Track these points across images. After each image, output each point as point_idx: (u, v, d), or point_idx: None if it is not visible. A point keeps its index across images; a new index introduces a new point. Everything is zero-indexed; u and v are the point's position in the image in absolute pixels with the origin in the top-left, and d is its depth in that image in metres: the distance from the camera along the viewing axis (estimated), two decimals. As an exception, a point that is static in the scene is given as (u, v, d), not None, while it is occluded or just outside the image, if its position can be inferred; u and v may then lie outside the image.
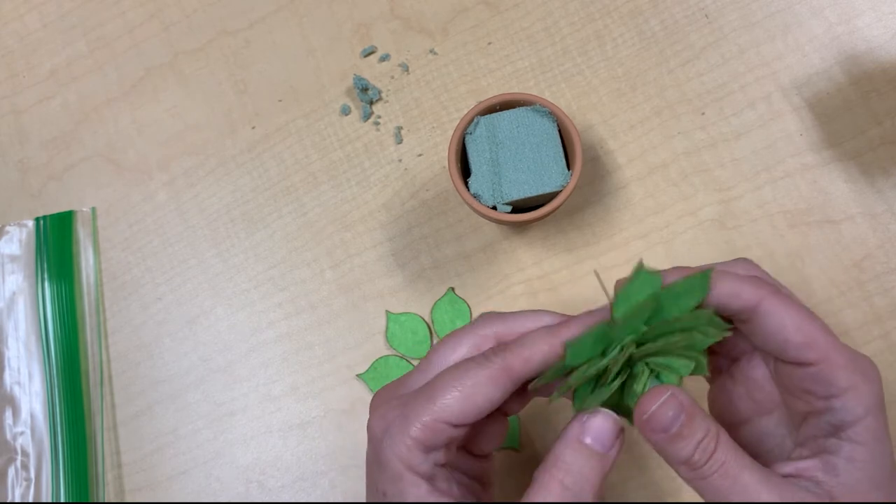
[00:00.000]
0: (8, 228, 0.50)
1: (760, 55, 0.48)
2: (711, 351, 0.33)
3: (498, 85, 0.49)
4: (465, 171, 0.43)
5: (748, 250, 0.46)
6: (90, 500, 0.46)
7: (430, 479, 0.31)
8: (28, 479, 0.47)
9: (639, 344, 0.30)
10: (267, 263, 0.49)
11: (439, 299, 0.47)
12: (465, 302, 0.47)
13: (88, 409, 0.47)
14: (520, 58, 0.50)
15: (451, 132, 0.48)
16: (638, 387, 0.30)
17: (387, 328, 0.47)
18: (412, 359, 0.46)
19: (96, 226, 0.50)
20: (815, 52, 0.48)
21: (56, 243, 0.50)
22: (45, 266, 0.49)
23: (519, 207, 0.42)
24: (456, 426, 0.30)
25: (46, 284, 0.49)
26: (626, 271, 0.46)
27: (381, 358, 0.46)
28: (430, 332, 0.46)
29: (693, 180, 0.47)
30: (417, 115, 0.49)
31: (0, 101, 0.53)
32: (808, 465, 0.30)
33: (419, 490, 0.30)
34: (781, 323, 0.30)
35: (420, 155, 0.49)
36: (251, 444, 0.47)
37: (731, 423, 0.34)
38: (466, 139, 0.42)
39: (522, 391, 0.33)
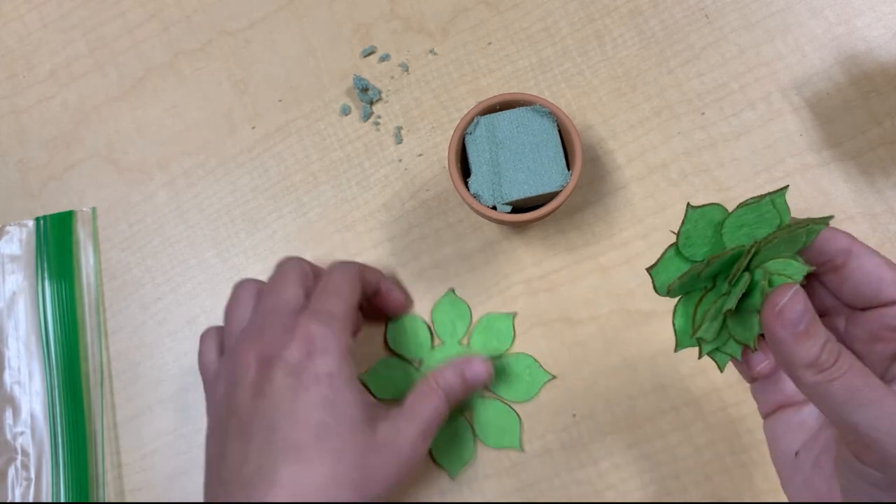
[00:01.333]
0: (8, 228, 0.50)
1: (760, 55, 0.48)
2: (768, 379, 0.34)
3: (498, 85, 0.49)
4: (465, 171, 0.43)
5: (748, 250, 0.46)
6: (90, 500, 0.46)
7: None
8: (28, 479, 0.47)
9: (754, 253, 0.31)
10: (267, 263, 0.49)
11: (439, 300, 0.47)
12: (466, 302, 0.47)
13: (88, 408, 0.47)
14: (520, 58, 0.50)
15: (451, 132, 0.48)
16: (765, 285, 0.30)
17: (386, 330, 0.47)
18: (414, 360, 0.46)
19: (96, 226, 0.50)
20: (815, 52, 0.48)
21: (56, 243, 0.50)
22: (46, 266, 0.49)
23: (519, 207, 0.42)
24: (356, 308, 0.40)
25: (46, 284, 0.49)
26: (626, 271, 0.46)
27: (382, 359, 0.46)
28: (431, 334, 0.46)
29: (693, 180, 0.47)
30: (417, 115, 0.49)
31: (0, 101, 0.53)
32: None
33: (353, 367, 0.38)
34: (876, 265, 0.30)
35: (420, 155, 0.49)
36: (251, 444, 0.47)
37: (782, 405, 0.34)
38: (466, 139, 0.42)
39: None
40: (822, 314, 0.33)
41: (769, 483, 0.43)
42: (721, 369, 0.33)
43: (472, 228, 0.48)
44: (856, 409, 0.27)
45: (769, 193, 0.31)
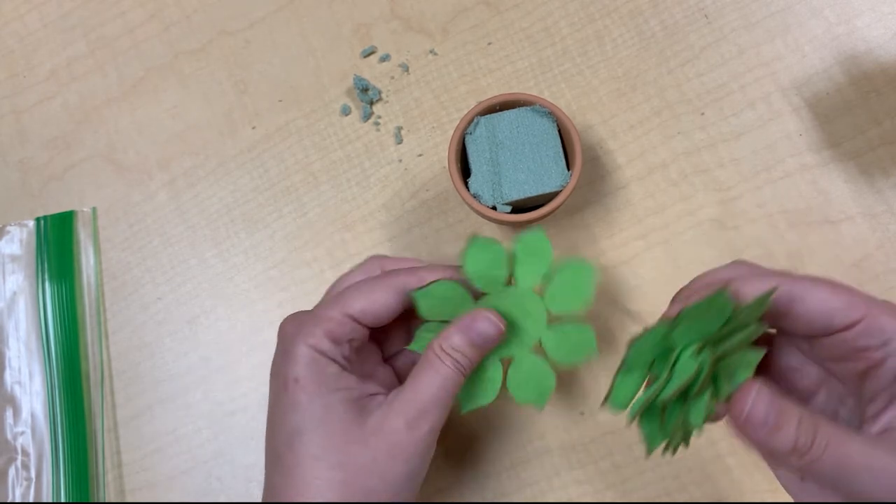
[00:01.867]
0: (8, 228, 0.50)
1: (760, 55, 0.48)
2: None
3: (498, 85, 0.49)
4: (465, 171, 0.43)
5: (748, 250, 0.46)
6: (90, 500, 0.46)
7: (339, 363, 0.35)
8: (28, 479, 0.47)
9: (703, 349, 0.31)
10: (267, 263, 0.49)
11: (465, 251, 0.38)
12: (497, 241, 0.38)
13: (89, 408, 0.47)
14: (520, 58, 0.50)
15: (451, 132, 0.48)
16: (728, 387, 0.31)
17: (418, 308, 0.38)
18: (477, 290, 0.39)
19: (97, 226, 0.50)
20: (815, 52, 0.48)
21: (56, 243, 0.50)
22: (46, 266, 0.50)
23: (519, 207, 0.42)
24: (358, 322, 0.35)
25: (47, 284, 0.49)
26: (626, 271, 0.46)
27: (439, 282, 0.37)
28: (470, 291, 0.38)
29: (693, 180, 0.47)
30: (417, 115, 0.49)
31: (0, 101, 0.53)
32: (890, 418, 0.30)
33: (332, 369, 0.35)
34: (820, 300, 0.30)
35: (420, 155, 0.49)
36: (251, 444, 0.47)
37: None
38: (466, 139, 0.42)
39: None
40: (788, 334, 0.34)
41: (769, 483, 0.43)
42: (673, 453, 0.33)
43: (472, 228, 0.48)
44: (848, 480, 0.28)
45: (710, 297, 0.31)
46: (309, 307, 0.47)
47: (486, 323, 0.36)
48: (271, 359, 0.47)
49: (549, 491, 0.44)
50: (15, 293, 0.49)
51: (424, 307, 0.37)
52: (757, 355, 0.32)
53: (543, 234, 0.38)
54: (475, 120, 0.42)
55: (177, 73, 0.52)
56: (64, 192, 0.51)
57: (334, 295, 0.37)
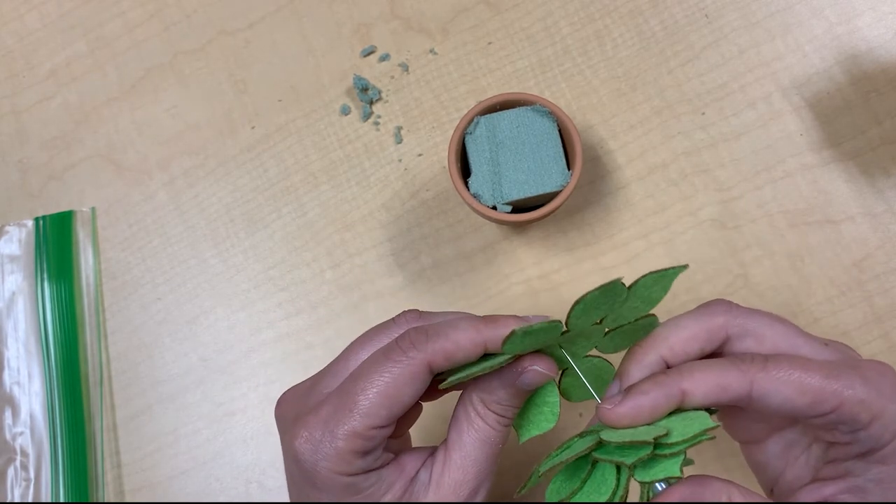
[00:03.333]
0: (8, 228, 0.50)
1: (760, 55, 0.48)
2: None
3: (498, 85, 0.49)
4: (465, 171, 0.43)
5: (748, 250, 0.46)
6: (90, 500, 0.46)
7: (371, 470, 0.31)
8: (28, 479, 0.47)
9: (629, 464, 0.29)
10: (267, 263, 0.49)
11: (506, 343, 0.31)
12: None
13: (88, 409, 0.47)
14: (520, 58, 0.50)
15: (451, 132, 0.48)
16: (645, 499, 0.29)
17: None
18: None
19: (96, 226, 0.50)
20: (815, 52, 0.48)
21: (56, 243, 0.50)
22: (45, 266, 0.49)
23: (519, 207, 0.42)
24: (382, 428, 0.30)
25: (46, 284, 0.49)
26: (626, 271, 0.46)
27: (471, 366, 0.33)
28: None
29: (693, 180, 0.47)
30: (417, 115, 0.49)
31: (0, 101, 0.52)
32: (835, 490, 0.29)
33: (367, 482, 0.31)
34: (782, 395, 0.28)
35: (420, 155, 0.49)
36: (251, 444, 0.47)
37: (749, 441, 0.34)
38: (466, 139, 0.42)
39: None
40: None
41: (769, 483, 0.43)
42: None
43: (472, 228, 0.48)
44: None
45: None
46: (309, 307, 0.48)
47: (534, 375, 0.31)
48: (271, 358, 0.47)
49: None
50: (14, 293, 0.49)
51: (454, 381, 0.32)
52: (677, 462, 0.29)
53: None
54: (475, 120, 0.42)
55: (177, 72, 0.52)
56: (63, 192, 0.51)
57: (349, 388, 0.31)
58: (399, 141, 0.49)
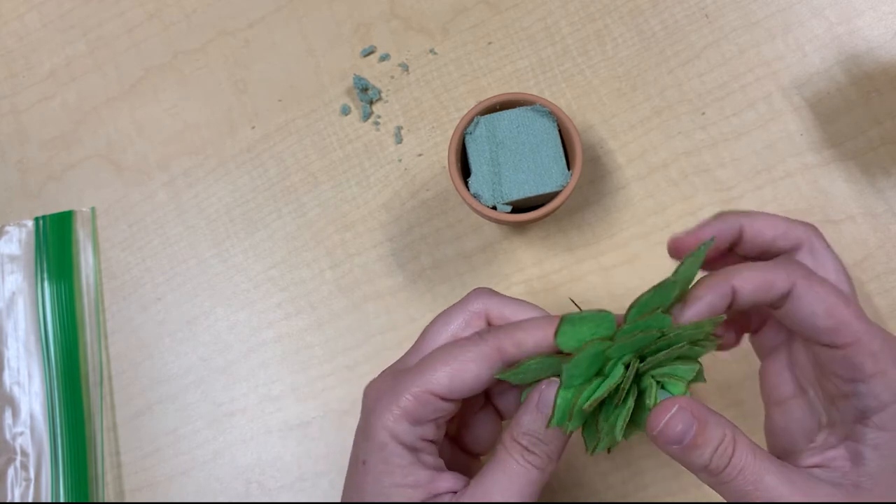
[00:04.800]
0: (7, 228, 0.50)
1: (761, 55, 0.48)
2: (767, 326, 0.34)
3: (498, 85, 0.49)
4: (465, 170, 0.43)
5: (748, 250, 0.46)
6: (90, 500, 0.46)
7: (414, 450, 0.31)
8: (28, 479, 0.47)
9: (641, 358, 0.30)
10: (266, 263, 0.49)
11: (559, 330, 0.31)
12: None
13: (88, 409, 0.47)
14: (520, 58, 0.49)
15: (451, 132, 0.48)
16: (649, 401, 0.30)
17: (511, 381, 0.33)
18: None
19: (96, 226, 0.50)
20: (816, 51, 0.48)
21: (56, 243, 0.50)
22: (45, 266, 0.49)
23: (519, 207, 0.42)
24: (444, 399, 0.30)
25: (46, 284, 0.49)
26: (626, 271, 0.46)
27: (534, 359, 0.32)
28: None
29: (693, 180, 0.47)
30: (417, 115, 0.49)
31: (0, 101, 0.52)
32: (835, 455, 0.30)
33: (402, 460, 0.30)
34: (812, 307, 0.29)
35: (420, 155, 0.49)
36: (251, 445, 0.47)
37: (774, 401, 0.34)
38: (466, 139, 0.42)
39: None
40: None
41: (770, 483, 0.43)
42: (591, 454, 0.33)
43: (472, 228, 0.48)
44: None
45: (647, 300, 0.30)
46: (308, 307, 0.48)
47: (549, 394, 0.31)
48: (270, 359, 0.47)
49: (549, 491, 0.44)
50: (14, 293, 0.49)
51: (517, 381, 0.32)
52: (691, 370, 0.31)
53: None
54: (475, 119, 0.42)
55: (176, 72, 0.52)
56: (63, 192, 0.51)
57: (421, 360, 0.32)
58: (399, 141, 0.49)
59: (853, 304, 0.30)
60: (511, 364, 0.31)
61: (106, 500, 0.46)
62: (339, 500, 0.34)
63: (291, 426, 0.46)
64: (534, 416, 0.31)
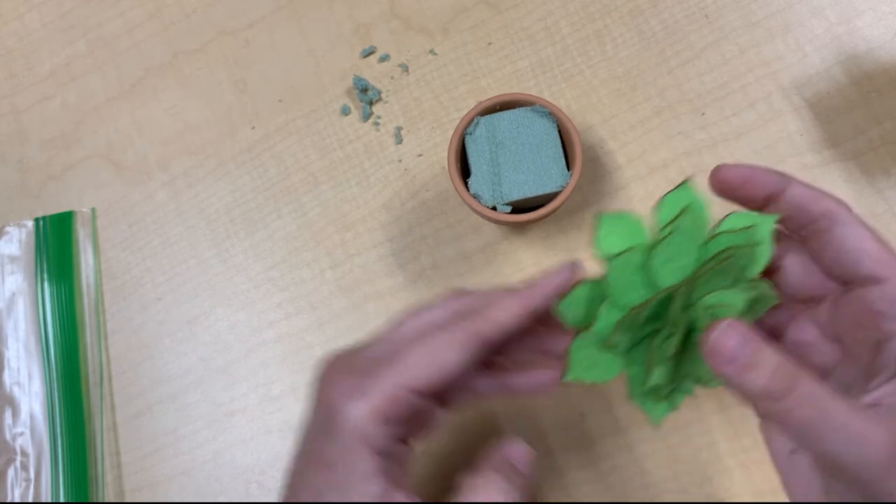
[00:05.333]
0: (8, 229, 0.50)
1: (760, 55, 0.48)
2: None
3: (498, 85, 0.49)
4: (465, 171, 0.43)
5: (748, 250, 0.46)
6: (90, 500, 0.46)
7: (384, 455, 0.29)
8: (28, 480, 0.47)
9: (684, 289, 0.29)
10: (267, 263, 0.49)
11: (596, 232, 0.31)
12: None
13: (88, 409, 0.47)
14: (520, 58, 0.49)
15: (451, 132, 0.48)
16: (702, 324, 0.29)
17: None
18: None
19: (96, 226, 0.50)
20: (816, 52, 0.48)
21: (56, 243, 0.50)
22: (45, 266, 0.49)
23: (519, 208, 0.42)
24: (420, 394, 0.29)
25: (46, 285, 0.49)
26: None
27: (581, 284, 0.32)
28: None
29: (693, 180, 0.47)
30: (417, 115, 0.49)
31: (0, 101, 0.52)
32: (889, 390, 0.28)
33: (367, 465, 0.29)
34: (858, 235, 0.29)
35: (420, 155, 0.49)
36: (251, 445, 0.47)
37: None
38: (466, 139, 0.42)
39: (490, 370, 0.33)
40: (809, 299, 0.32)
41: (769, 483, 0.43)
42: (657, 422, 0.32)
43: (472, 228, 0.48)
44: (820, 438, 0.26)
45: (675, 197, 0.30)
46: (309, 307, 0.48)
47: (521, 452, 0.32)
48: (271, 359, 0.47)
49: (549, 491, 0.44)
50: (14, 294, 0.49)
51: (570, 315, 0.32)
52: (743, 296, 0.30)
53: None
54: (475, 120, 0.42)
55: (176, 72, 0.52)
56: (63, 193, 0.51)
57: (393, 350, 0.31)
58: (399, 141, 0.49)
59: (890, 245, 0.29)
60: (493, 344, 0.31)
61: (106, 500, 0.46)
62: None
63: (291, 426, 0.47)
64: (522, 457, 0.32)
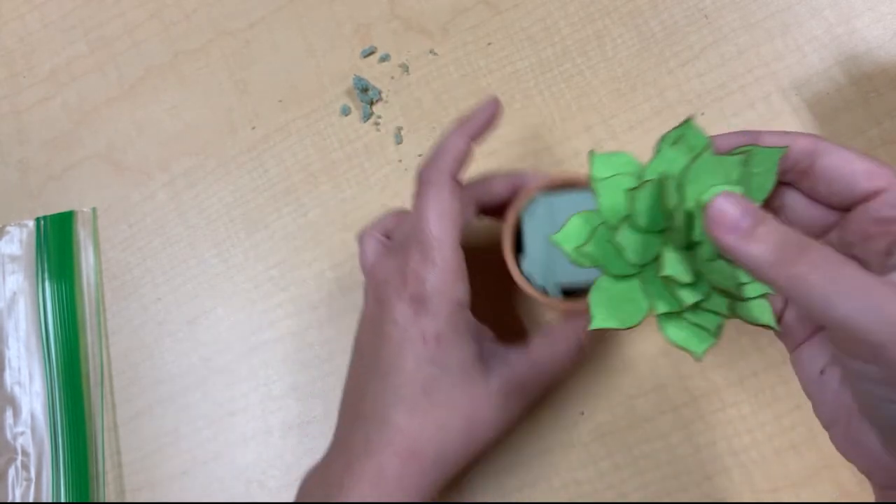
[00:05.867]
0: (8, 228, 0.50)
1: (760, 56, 0.48)
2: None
3: (498, 85, 0.49)
4: (517, 246, 0.41)
5: (748, 250, 0.46)
6: (90, 500, 0.46)
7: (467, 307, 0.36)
8: (28, 479, 0.47)
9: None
10: (267, 263, 0.49)
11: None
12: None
13: (89, 409, 0.47)
14: (520, 58, 0.50)
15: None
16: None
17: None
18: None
19: (96, 226, 0.50)
20: (815, 52, 0.48)
21: (56, 243, 0.50)
22: (46, 266, 0.50)
23: (570, 290, 0.40)
24: (459, 246, 0.36)
25: (47, 284, 0.49)
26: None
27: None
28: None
29: (693, 180, 0.47)
30: (418, 115, 0.49)
31: (0, 101, 0.53)
32: None
33: (470, 321, 0.36)
34: (843, 159, 0.29)
35: (420, 155, 0.49)
36: (251, 444, 0.47)
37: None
38: (523, 217, 0.40)
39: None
40: (820, 232, 0.32)
41: (769, 483, 0.43)
42: (699, 355, 0.31)
43: (472, 228, 0.48)
44: (837, 304, 0.24)
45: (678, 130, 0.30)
46: (309, 307, 0.48)
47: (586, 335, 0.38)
48: (271, 358, 0.48)
49: (548, 491, 0.44)
50: (15, 293, 0.49)
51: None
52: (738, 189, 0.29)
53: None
54: (534, 198, 0.40)
55: (177, 72, 0.52)
56: (63, 193, 0.51)
57: (417, 230, 0.36)
58: (399, 141, 0.49)
59: (870, 156, 0.30)
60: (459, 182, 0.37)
61: (106, 500, 0.46)
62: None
63: (292, 426, 0.47)
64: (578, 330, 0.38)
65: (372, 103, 0.50)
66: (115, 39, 0.53)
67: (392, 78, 0.50)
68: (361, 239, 0.40)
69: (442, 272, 0.35)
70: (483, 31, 0.50)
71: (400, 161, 0.49)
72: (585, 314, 0.32)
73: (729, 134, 0.32)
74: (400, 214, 0.41)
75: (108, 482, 0.47)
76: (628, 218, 0.31)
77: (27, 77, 0.53)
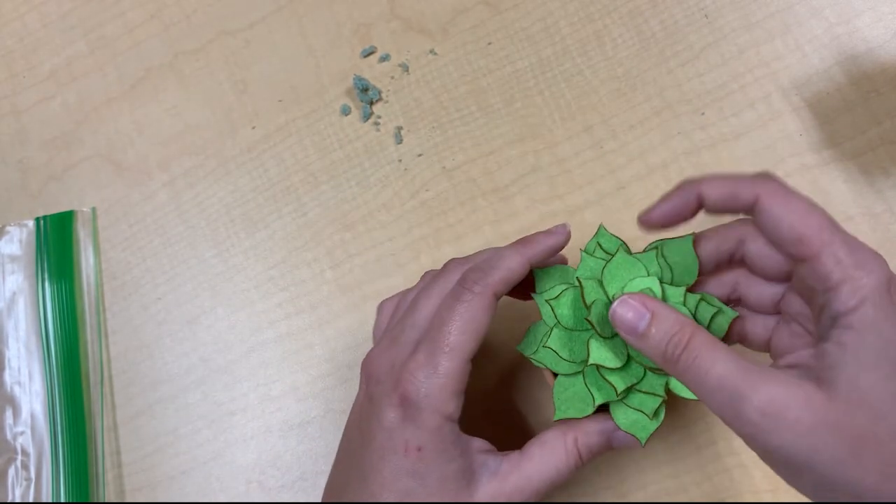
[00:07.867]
0: (8, 228, 0.50)
1: (760, 55, 0.48)
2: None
3: (498, 84, 0.49)
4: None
5: (748, 250, 0.46)
6: (90, 500, 0.46)
7: (457, 422, 0.34)
8: (28, 479, 0.47)
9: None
10: (267, 263, 0.49)
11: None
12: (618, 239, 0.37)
13: (88, 408, 0.47)
14: (520, 58, 0.50)
15: (450, 132, 0.48)
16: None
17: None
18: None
19: (96, 226, 0.50)
20: (815, 52, 0.48)
21: (56, 243, 0.50)
22: (46, 266, 0.50)
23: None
24: (470, 363, 0.34)
25: (47, 284, 0.49)
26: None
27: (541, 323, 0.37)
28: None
29: (693, 180, 0.47)
30: (417, 115, 0.49)
31: (0, 101, 0.53)
32: (804, 354, 0.31)
33: (454, 434, 0.33)
34: (777, 219, 0.30)
35: (420, 155, 0.49)
36: (251, 444, 0.47)
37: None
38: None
39: None
40: (786, 275, 0.33)
41: (769, 483, 0.43)
42: (642, 443, 0.34)
43: (471, 229, 0.48)
44: (704, 396, 0.29)
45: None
46: (309, 307, 0.48)
47: (624, 437, 0.35)
48: (271, 358, 0.48)
49: (548, 491, 0.44)
50: (14, 293, 0.49)
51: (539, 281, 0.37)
52: (650, 280, 0.35)
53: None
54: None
55: (177, 72, 0.52)
56: (63, 192, 0.51)
57: (435, 332, 0.34)
58: (399, 141, 0.49)
59: (821, 214, 0.30)
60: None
61: (106, 500, 0.46)
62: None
63: (292, 426, 0.47)
64: (602, 442, 0.35)
65: (372, 103, 0.50)
66: (115, 39, 0.53)
67: (392, 78, 0.50)
68: (380, 309, 0.39)
69: (440, 383, 0.33)
70: (483, 31, 0.50)
71: (400, 161, 0.49)
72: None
73: (672, 200, 0.34)
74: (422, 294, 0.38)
75: (108, 482, 0.47)
76: (556, 324, 0.35)
77: (27, 77, 0.53)
